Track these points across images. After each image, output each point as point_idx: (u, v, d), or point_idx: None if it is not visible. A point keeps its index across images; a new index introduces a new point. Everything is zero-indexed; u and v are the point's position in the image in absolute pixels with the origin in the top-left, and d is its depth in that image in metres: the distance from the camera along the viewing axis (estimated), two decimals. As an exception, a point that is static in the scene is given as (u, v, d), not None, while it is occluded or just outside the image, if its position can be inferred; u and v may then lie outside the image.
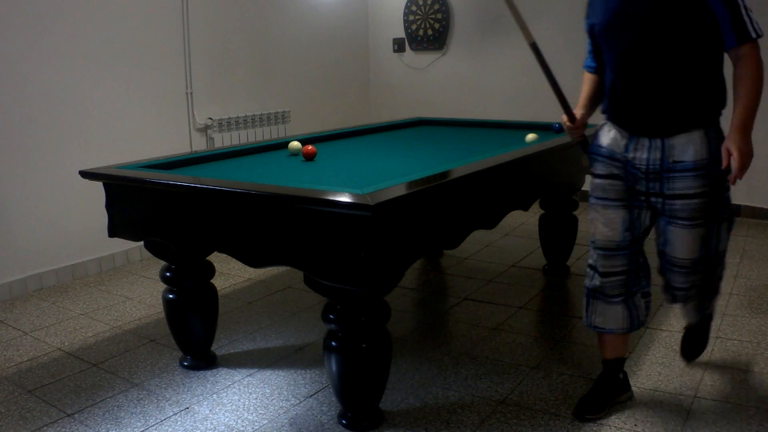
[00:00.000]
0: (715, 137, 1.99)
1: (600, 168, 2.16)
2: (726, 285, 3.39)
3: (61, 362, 2.73)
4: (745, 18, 1.89)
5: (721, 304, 3.14)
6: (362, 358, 2.06)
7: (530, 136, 3.16)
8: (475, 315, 3.12)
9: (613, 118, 2.13)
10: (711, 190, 1.99)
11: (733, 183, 1.94)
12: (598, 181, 2.17)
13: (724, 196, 2.04)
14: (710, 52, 1.95)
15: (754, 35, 1.89)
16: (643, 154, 2.03)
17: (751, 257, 3.86)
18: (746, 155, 1.92)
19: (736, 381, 2.41)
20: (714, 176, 1.98)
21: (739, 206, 4.74)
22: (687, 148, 1.97)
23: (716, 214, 2.03)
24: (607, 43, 2.08)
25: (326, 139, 3.37)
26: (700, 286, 2.19)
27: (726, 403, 2.25)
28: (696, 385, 2.38)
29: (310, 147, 2.75)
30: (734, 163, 1.91)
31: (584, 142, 2.28)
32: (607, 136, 2.14)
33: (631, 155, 2.06)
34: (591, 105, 2.27)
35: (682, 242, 2.05)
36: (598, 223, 2.16)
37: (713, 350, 2.66)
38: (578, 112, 2.24)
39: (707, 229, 2.03)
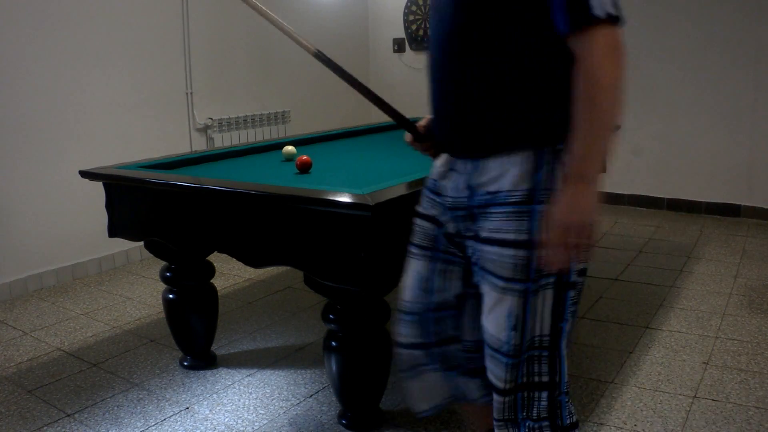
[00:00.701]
0: (552, 162, 1.30)
1: (421, 204, 1.56)
2: (726, 285, 3.39)
3: (61, 362, 2.73)
4: None
5: (721, 304, 3.14)
6: (362, 358, 2.07)
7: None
8: (475, 315, 3.12)
9: None
10: (535, 239, 1.28)
11: (554, 269, 1.27)
12: (415, 221, 1.58)
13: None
14: (554, 42, 1.26)
15: (600, 12, 1.15)
16: (450, 181, 1.43)
17: (751, 257, 3.86)
18: (573, 226, 1.22)
19: (736, 381, 2.41)
20: (541, 219, 1.28)
21: (739, 206, 4.74)
22: (504, 173, 1.31)
23: (540, 278, 1.31)
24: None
25: (326, 139, 3.37)
26: (520, 402, 1.39)
27: (726, 403, 2.25)
28: (696, 385, 2.39)
29: (304, 157, 2.46)
30: (546, 237, 1.26)
31: None
32: (437, 159, 1.56)
33: (441, 183, 1.47)
34: None
35: (489, 308, 1.36)
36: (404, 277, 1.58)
37: (713, 350, 2.67)
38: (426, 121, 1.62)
39: (523, 301, 1.32)
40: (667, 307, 3.12)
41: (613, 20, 1.17)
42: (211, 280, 2.62)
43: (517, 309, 1.32)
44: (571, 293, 1.35)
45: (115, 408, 2.35)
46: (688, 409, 2.23)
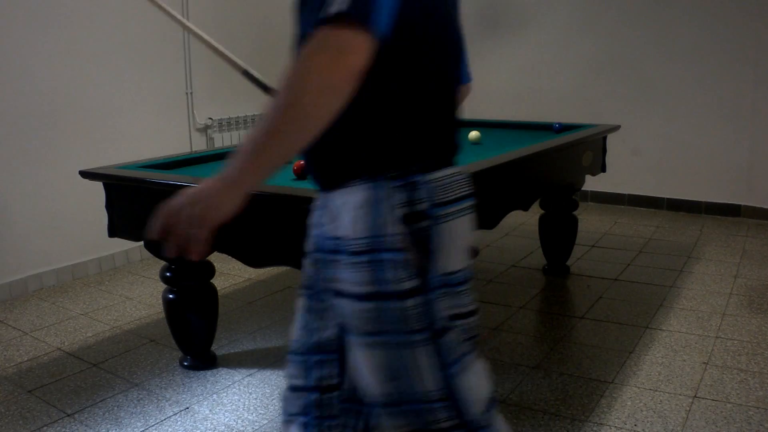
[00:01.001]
0: (391, 201, 1.11)
1: None
2: (726, 285, 3.39)
3: (61, 362, 2.73)
4: None
5: (721, 304, 3.14)
6: (362, 358, 2.06)
7: (473, 134, 3.18)
8: (475, 315, 3.12)
9: None
10: (383, 291, 1.13)
11: (170, 254, 1.04)
12: None
13: (410, 303, 1.13)
14: (394, 69, 1.11)
15: (332, 9, 0.96)
16: (312, 216, 1.25)
17: (751, 257, 3.86)
18: (183, 214, 1.01)
19: (736, 381, 2.41)
20: (388, 268, 1.12)
21: (739, 206, 4.74)
22: (343, 212, 1.13)
23: (402, 333, 1.15)
24: None
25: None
26: None
27: (726, 403, 2.25)
28: (696, 385, 2.39)
29: (302, 162, 2.39)
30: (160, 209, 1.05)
31: None
32: None
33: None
34: None
35: (359, 365, 1.22)
36: None
37: (713, 350, 2.67)
38: None
39: (389, 353, 1.16)
40: (667, 307, 3.12)
41: (344, 18, 0.96)
42: (211, 280, 2.62)
43: (387, 360, 1.17)
44: (448, 338, 1.18)
45: (115, 408, 2.35)
46: (688, 409, 2.23)
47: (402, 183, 1.12)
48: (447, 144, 1.24)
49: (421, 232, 1.12)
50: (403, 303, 1.13)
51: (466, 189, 1.23)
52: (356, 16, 0.96)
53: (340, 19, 0.96)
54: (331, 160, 1.16)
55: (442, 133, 1.23)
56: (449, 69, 1.26)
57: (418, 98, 1.16)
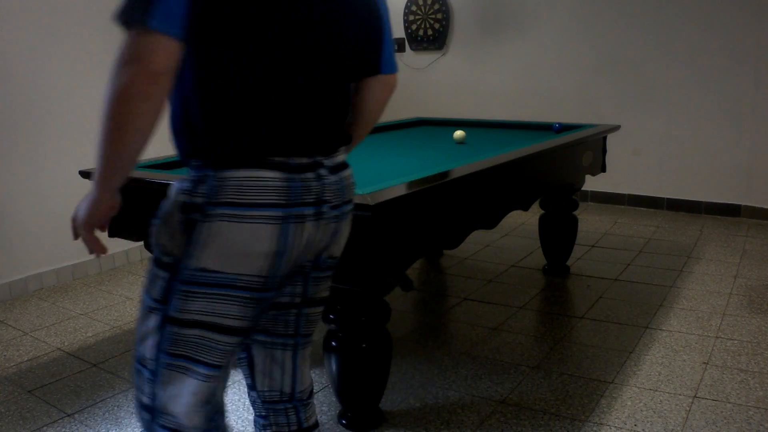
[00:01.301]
0: (181, 185, 1.20)
1: None
2: (726, 285, 3.40)
3: (61, 362, 2.73)
4: None
5: (721, 304, 3.14)
6: (362, 358, 2.06)
7: (458, 133, 3.19)
8: (475, 315, 3.12)
9: None
10: (154, 255, 1.27)
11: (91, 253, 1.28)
12: None
13: (161, 274, 1.24)
14: (201, 44, 1.12)
15: (118, 18, 1.04)
16: None
17: (751, 257, 3.86)
18: (74, 217, 1.23)
19: (736, 381, 2.41)
20: (158, 237, 1.24)
21: (739, 206, 4.74)
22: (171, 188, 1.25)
23: (148, 295, 1.30)
24: None
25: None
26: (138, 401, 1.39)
27: (726, 403, 2.26)
28: (696, 385, 2.39)
29: None
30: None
31: None
32: None
33: None
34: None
35: None
36: None
37: (713, 350, 2.67)
38: None
39: (142, 308, 1.33)
40: (667, 307, 3.12)
41: (129, 24, 1.02)
42: (211, 280, 2.62)
43: (140, 316, 1.35)
44: (179, 331, 1.25)
45: (115, 408, 2.35)
46: (688, 409, 2.23)
47: (196, 174, 1.19)
48: (274, 142, 1.18)
49: (189, 222, 1.17)
50: (157, 271, 1.24)
51: (275, 197, 1.18)
52: (132, 22, 1.01)
53: (130, 25, 1.02)
54: (176, 144, 1.25)
55: (267, 129, 1.18)
56: (320, 62, 1.23)
57: (235, 91, 1.15)
